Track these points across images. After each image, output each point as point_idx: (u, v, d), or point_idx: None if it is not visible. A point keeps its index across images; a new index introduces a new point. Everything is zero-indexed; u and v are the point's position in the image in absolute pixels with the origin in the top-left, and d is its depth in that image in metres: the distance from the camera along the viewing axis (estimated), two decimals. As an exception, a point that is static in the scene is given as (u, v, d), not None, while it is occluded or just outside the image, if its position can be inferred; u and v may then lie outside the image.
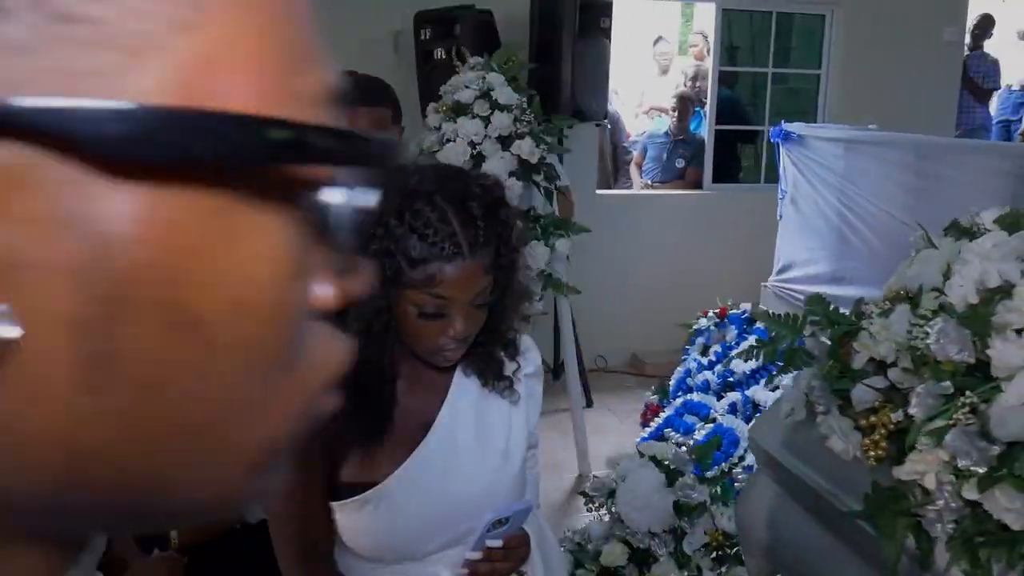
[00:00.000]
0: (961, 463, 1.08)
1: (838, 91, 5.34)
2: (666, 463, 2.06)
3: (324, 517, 1.30)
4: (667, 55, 6.58)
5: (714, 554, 2.04)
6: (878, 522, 1.30)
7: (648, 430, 3.90)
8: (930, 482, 1.15)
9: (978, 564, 1.14)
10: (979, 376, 1.14)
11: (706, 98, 5.39)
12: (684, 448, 2.16)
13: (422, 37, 4.32)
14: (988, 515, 1.11)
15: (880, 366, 1.31)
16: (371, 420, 1.25)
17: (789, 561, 1.71)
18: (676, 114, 5.37)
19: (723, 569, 1.96)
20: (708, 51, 5.98)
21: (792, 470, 1.64)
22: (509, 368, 1.37)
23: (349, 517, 1.28)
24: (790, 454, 1.66)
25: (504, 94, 2.94)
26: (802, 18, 5.61)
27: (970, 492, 1.10)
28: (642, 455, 2.13)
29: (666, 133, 5.50)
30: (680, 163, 5.39)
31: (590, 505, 2.17)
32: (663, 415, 3.95)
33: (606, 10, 4.45)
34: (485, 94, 2.96)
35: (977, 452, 1.06)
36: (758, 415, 2.63)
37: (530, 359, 1.44)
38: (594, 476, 2.19)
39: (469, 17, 4.10)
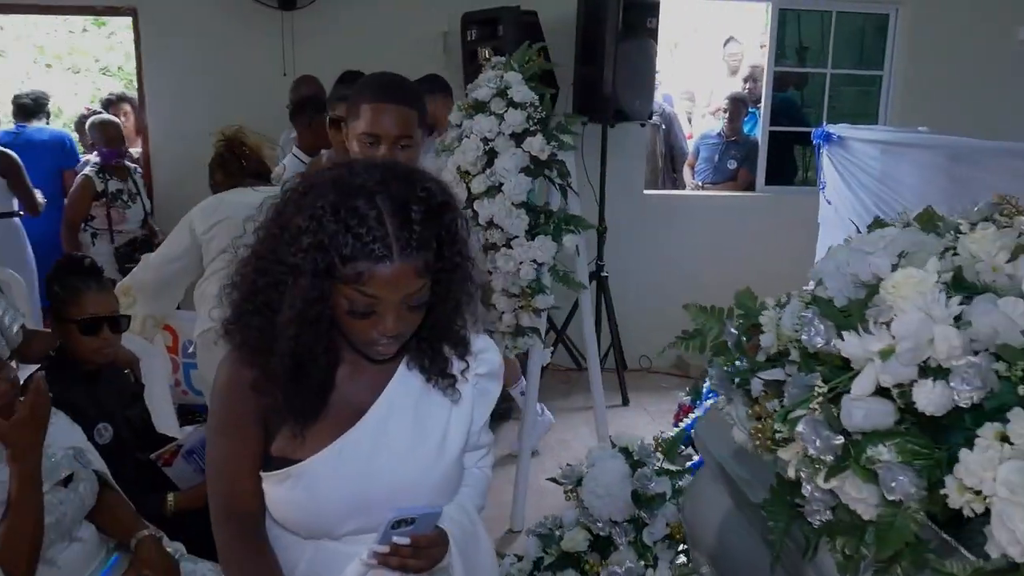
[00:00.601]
0: (810, 451, 1.09)
1: (901, 93, 5.17)
2: (633, 454, 2.09)
3: (254, 486, 1.34)
4: (736, 56, 6.50)
5: (680, 547, 2.06)
6: (770, 511, 1.33)
7: (677, 430, 3.89)
8: (791, 471, 1.17)
9: (849, 555, 1.16)
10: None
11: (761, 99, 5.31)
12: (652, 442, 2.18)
13: (468, 37, 4.44)
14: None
15: (780, 357, 1.33)
16: (305, 401, 1.30)
17: (727, 561, 1.72)
18: (727, 115, 5.31)
19: (682, 559, 1.98)
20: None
21: (723, 464, 1.66)
22: (457, 367, 1.39)
23: (272, 488, 1.32)
24: (724, 449, 1.68)
25: (520, 92, 3.00)
26: (872, 18, 5.45)
27: (824, 482, 1.11)
28: (614, 445, 2.17)
29: (719, 134, 5.44)
30: (732, 164, 5.33)
31: (566, 493, 2.22)
32: (692, 415, 3.93)
33: (653, 10, 4.46)
34: (502, 92, 3.03)
35: (822, 441, 1.07)
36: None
37: (484, 360, 1.43)
38: (567, 464, 2.23)
39: (512, 18, 4.18)
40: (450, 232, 1.26)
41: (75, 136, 5.20)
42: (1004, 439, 0.90)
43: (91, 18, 9.86)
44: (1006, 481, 0.84)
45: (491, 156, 3.03)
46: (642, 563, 1.98)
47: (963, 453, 0.90)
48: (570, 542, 2.07)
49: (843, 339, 1.10)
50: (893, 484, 0.98)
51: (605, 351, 4.89)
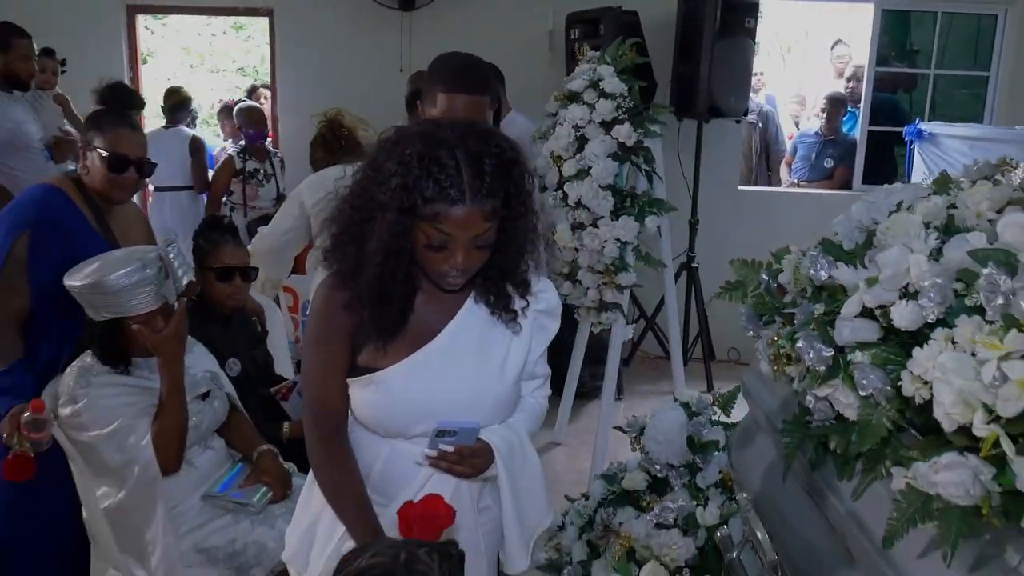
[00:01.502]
0: (807, 363, 1.30)
1: (1008, 94, 5.11)
2: (691, 407, 2.30)
3: (340, 391, 1.57)
4: (843, 58, 6.52)
5: (730, 494, 2.24)
6: (788, 430, 1.53)
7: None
8: (796, 385, 1.38)
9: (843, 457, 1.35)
10: (851, 300, 1.34)
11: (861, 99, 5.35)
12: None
13: (572, 36, 4.70)
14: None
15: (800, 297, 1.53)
16: (387, 320, 1.51)
17: (768, 504, 1.89)
18: (825, 114, 5.38)
19: (729, 502, 2.17)
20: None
21: (768, 414, 1.84)
22: (518, 304, 1.59)
23: (357, 392, 1.56)
24: (769, 400, 1.86)
25: (611, 84, 3.23)
26: (986, 19, 5.40)
27: (820, 391, 1.31)
28: (676, 400, 2.38)
29: (816, 133, 5.51)
30: (829, 163, 5.38)
31: (632, 441, 2.44)
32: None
33: (751, 11, 4.60)
34: (594, 84, 3.28)
35: (815, 353, 1.28)
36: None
37: (543, 299, 1.64)
38: (632, 416, 2.45)
39: (612, 17, 4.41)
40: (517, 185, 1.47)
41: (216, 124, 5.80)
42: (952, 341, 1.09)
43: (231, 23, 10.69)
44: (941, 365, 1.03)
45: (581, 142, 3.28)
46: (694, 503, 2.19)
47: (915, 351, 1.10)
48: (630, 481, 2.30)
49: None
50: (864, 381, 1.18)
51: (693, 340, 5.05)
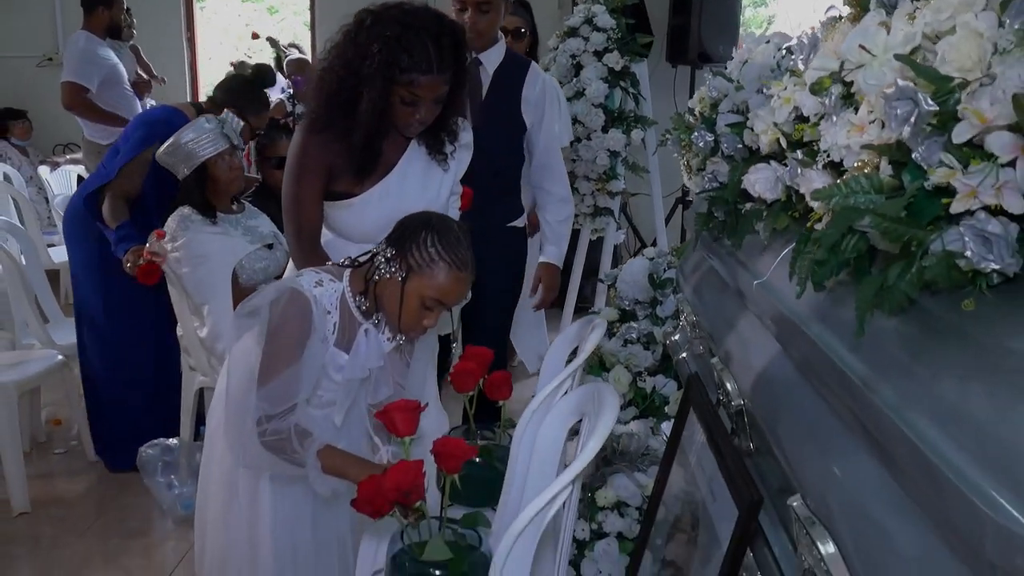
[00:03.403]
0: (699, 146, 1.89)
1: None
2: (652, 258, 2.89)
3: (314, 211, 2.05)
4: (836, 22, 7.06)
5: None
6: (699, 217, 2.11)
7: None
8: (695, 166, 1.97)
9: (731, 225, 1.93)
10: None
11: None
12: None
13: (577, -7, 5.29)
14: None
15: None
16: (361, 159, 2.00)
17: (702, 300, 2.47)
18: (809, 63, 5.90)
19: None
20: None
21: (701, 239, 2.41)
22: (448, 148, 2.10)
23: (335, 212, 2.07)
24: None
25: (603, 19, 3.82)
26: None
27: (707, 167, 1.90)
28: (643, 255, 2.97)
29: (802, 82, 6.04)
30: (813, 109, 5.91)
31: (608, 289, 3.03)
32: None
33: (738, -34, 5.15)
34: (589, 20, 3.86)
35: (703, 140, 1.86)
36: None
37: (463, 137, 2.14)
38: (607, 272, 3.04)
39: (613, -26, 4.99)
40: (462, 58, 1.95)
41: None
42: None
43: (266, 6, 11.45)
44: (759, 113, 1.61)
45: (578, 68, 3.87)
46: (656, 327, 2.77)
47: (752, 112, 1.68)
48: (606, 315, 2.89)
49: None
50: (726, 146, 1.76)
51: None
